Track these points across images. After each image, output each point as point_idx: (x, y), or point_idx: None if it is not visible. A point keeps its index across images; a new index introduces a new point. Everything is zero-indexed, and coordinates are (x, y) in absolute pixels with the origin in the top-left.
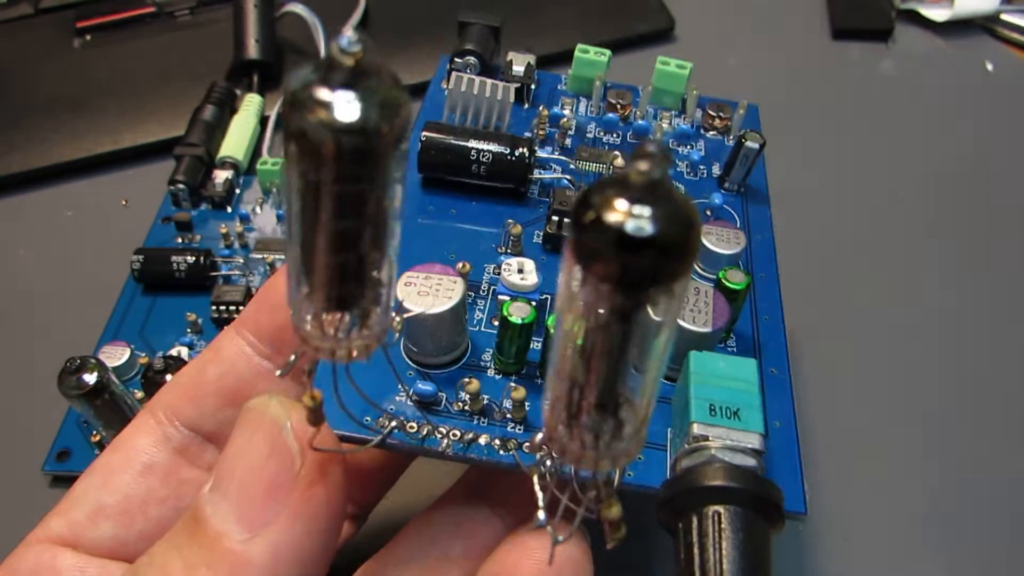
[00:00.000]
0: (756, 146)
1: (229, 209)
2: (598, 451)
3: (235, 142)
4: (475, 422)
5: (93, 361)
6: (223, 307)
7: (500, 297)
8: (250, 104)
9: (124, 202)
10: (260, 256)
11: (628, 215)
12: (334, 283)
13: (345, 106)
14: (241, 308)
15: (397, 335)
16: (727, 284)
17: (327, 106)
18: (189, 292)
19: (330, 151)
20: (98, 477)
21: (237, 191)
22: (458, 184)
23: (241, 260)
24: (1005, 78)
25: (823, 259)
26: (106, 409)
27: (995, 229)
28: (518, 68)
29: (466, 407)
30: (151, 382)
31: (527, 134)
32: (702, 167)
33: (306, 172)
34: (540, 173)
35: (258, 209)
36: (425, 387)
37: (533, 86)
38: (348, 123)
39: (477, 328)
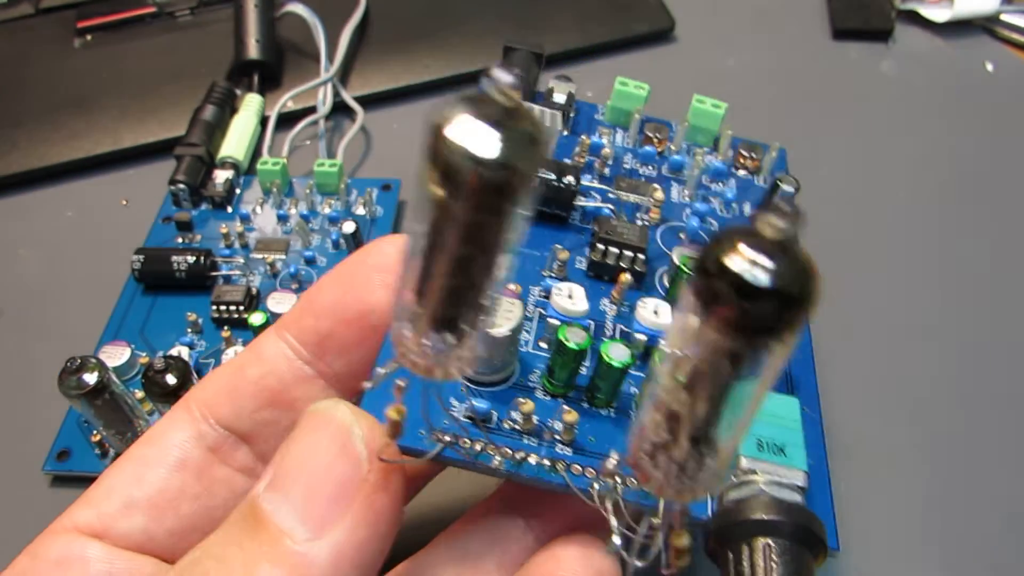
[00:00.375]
0: (792, 190)
1: (229, 209)
2: (681, 483)
3: (235, 142)
4: (524, 441)
5: (93, 361)
6: (223, 307)
7: (550, 320)
8: (250, 104)
9: (124, 202)
10: (260, 256)
11: (757, 266)
12: (444, 304)
13: (493, 142)
14: (241, 308)
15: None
16: None
17: (476, 140)
18: (189, 292)
19: (472, 183)
20: (131, 469)
21: (237, 191)
22: None
23: (241, 260)
24: (1005, 78)
25: (819, 256)
26: (106, 409)
27: (995, 229)
28: (559, 96)
29: (516, 426)
30: (151, 382)
31: (566, 160)
32: (735, 204)
33: (441, 199)
34: (582, 200)
35: (258, 209)
36: (479, 404)
37: (572, 114)
38: (493, 158)
39: (524, 348)
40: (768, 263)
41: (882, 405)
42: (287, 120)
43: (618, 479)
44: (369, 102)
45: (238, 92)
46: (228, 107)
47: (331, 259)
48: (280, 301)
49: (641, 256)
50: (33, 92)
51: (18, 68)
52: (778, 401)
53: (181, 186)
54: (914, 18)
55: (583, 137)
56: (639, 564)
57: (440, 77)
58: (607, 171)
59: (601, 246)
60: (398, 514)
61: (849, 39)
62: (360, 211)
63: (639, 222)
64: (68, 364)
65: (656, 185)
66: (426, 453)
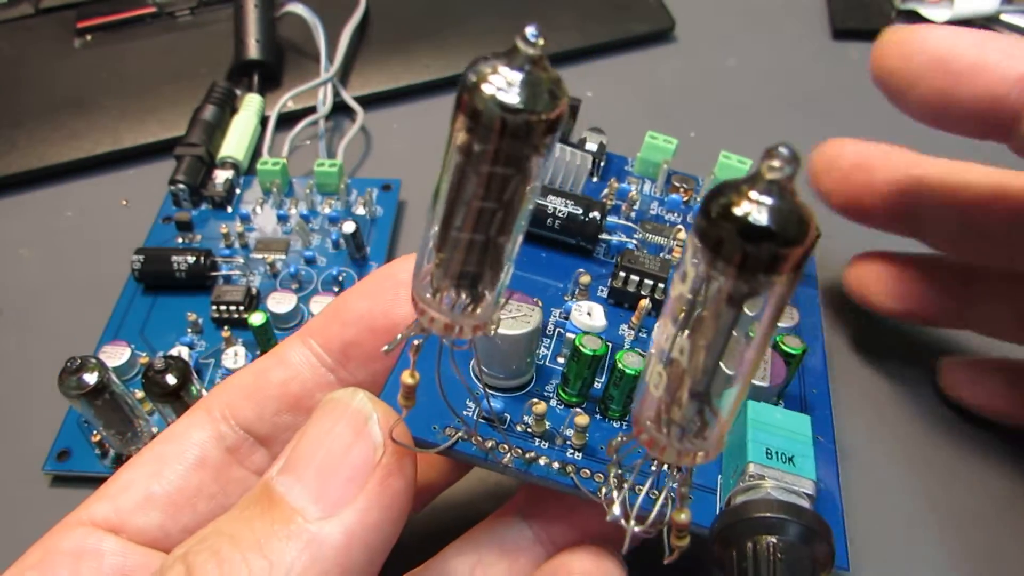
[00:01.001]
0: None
1: (229, 209)
2: (683, 445)
3: (235, 142)
4: (536, 444)
5: (93, 361)
6: (223, 307)
7: (569, 335)
8: (250, 104)
9: (124, 202)
10: (260, 256)
11: (758, 204)
12: (463, 258)
13: (518, 88)
14: (241, 308)
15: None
16: (784, 348)
17: (504, 86)
18: (189, 292)
19: (497, 127)
20: (150, 466)
21: (237, 191)
22: (530, 234)
23: (241, 260)
24: None
25: (822, 256)
26: (106, 409)
27: None
28: (591, 146)
29: (529, 429)
30: (152, 382)
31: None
32: None
33: (467, 147)
34: (607, 235)
35: (258, 209)
36: (495, 404)
37: (603, 163)
38: (517, 104)
39: (541, 363)
40: (768, 201)
41: (894, 428)
42: (287, 120)
43: (620, 456)
44: (369, 102)
45: (238, 92)
46: (228, 107)
47: (331, 259)
48: (280, 301)
49: (661, 285)
50: (33, 92)
51: (18, 68)
52: (790, 416)
53: (181, 186)
54: (914, 18)
55: (612, 180)
56: (637, 530)
57: (440, 77)
58: (633, 214)
59: (623, 273)
60: (410, 499)
61: (849, 39)
62: (360, 211)
63: (662, 257)
64: (68, 364)
65: (680, 226)
66: (439, 446)
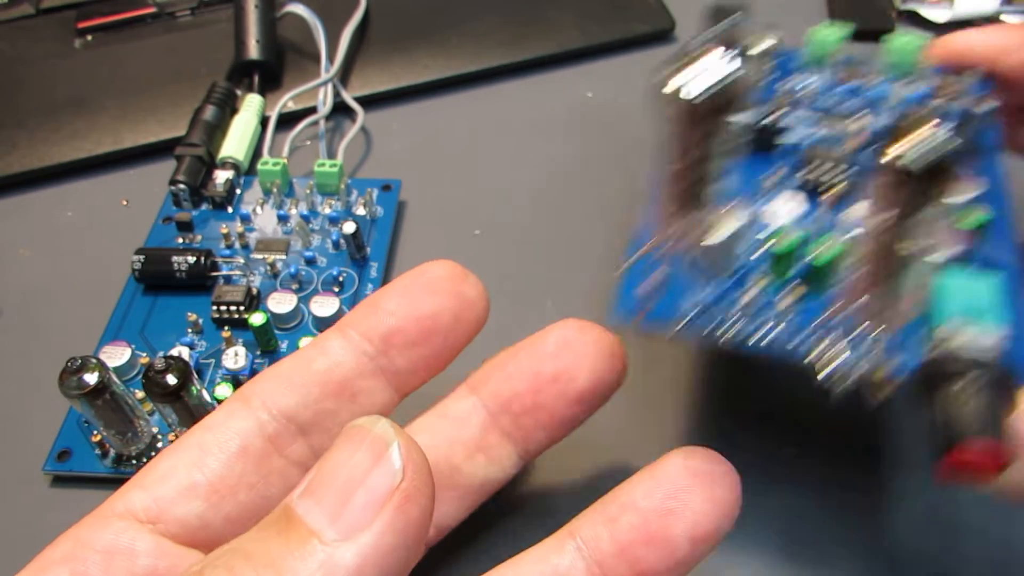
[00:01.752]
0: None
1: (230, 209)
2: (886, 312)
3: (236, 142)
4: (753, 321)
5: (94, 361)
6: (224, 307)
7: (768, 230)
8: (251, 104)
9: (125, 202)
10: (261, 256)
11: None
12: (684, 193)
13: (703, 83)
14: (242, 308)
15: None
16: (966, 223)
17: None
18: (190, 292)
19: (686, 112)
20: (190, 454)
21: (238, 191)
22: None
23: (242, 260)
24: None
25: None
26: (107, 409)
27: None
28: (758, 48)
29: (746, 311)
30: (152, 382)
31: (770, 98)
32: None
33: (673, 123)
34: (786, 135)
35: (259, 209)
36: (719, 286)
37: (771, 63)
38: (703, 92)
39: (743, 260)
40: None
41: None
42: (287, 120)
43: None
44: (369, 102)
45: (238, 92)
46: (228, 107)
47: (331, 259)
48: (280, 301)
49: (850, 170)
50: (33, 92)
51: (18, 68)
52: (979, 276)
53: (181, 186)
54: (914, 18)
55: (788, 80)
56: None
57: (440, 77)
58: (810, 107)
59: (811, 164)
60: (427, 527)
61: (849, 39)
62: (360, 211)
63: (846, 144)
64: (68, 364)
65: (866, 110)
66: (676, 327)
